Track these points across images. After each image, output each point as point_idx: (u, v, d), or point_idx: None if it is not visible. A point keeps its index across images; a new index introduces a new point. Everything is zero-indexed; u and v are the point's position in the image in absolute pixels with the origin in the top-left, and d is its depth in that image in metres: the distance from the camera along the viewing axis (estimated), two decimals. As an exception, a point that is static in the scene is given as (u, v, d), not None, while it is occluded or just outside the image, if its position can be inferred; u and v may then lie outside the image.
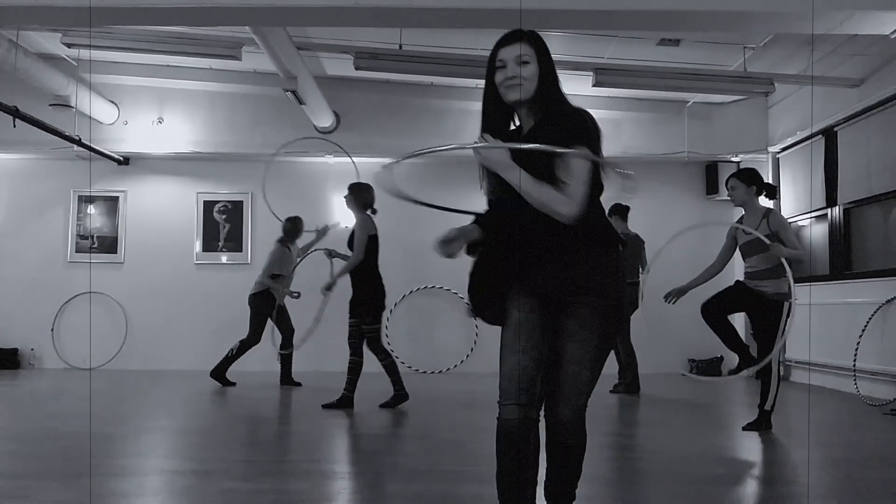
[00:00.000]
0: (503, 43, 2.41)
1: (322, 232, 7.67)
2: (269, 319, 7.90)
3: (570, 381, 2.37)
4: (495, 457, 2.36)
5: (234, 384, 7.96)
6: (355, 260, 6.17)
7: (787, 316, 5.11)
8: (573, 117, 2.35)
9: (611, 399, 7.16)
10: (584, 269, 2.37)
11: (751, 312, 5.24)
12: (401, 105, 9.67)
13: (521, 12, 5.63)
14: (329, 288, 6.38)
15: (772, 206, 5.28)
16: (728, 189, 5.38)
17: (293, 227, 8.17)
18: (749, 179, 5.26)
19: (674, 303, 5.32)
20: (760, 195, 5.29)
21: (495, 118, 2.48)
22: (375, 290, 6.26)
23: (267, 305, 7.95)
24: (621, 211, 7.69)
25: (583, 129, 2.32)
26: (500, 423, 2.35)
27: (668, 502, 3.49)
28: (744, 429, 5.21)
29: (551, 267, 2.38)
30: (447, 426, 5.70)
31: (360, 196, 6.36)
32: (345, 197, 6.48)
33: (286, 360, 8.17)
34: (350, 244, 6.31)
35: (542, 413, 2.42)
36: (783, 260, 5.00)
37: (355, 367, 6.28)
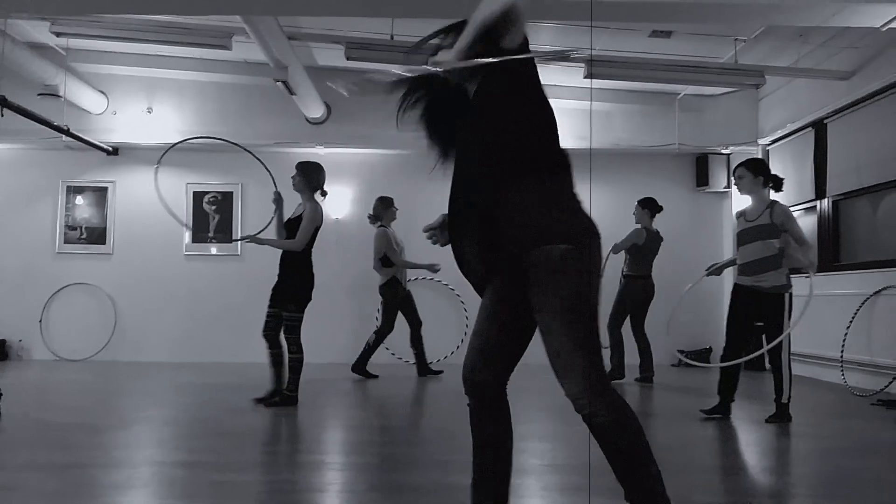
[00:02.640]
0: None
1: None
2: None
3: (553, 357, 2.13)
4: (472, 433, 2.40)
5: (376, 376, 7.90)
6: (297, 247, 5.71)
7: (790, 307, 5.15)
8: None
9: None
10: (519, 215, 2.09)
11: (756, 310, 5.23)
12: (392, 96, 9.62)
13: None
14: (251, 238, 5.87)
15: (778, 199, 5.32)
16: (735, 178, 5.41)
17: (383, 205, 8.01)
18: (756, 169, 5.30)
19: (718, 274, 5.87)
20: (767, 186, 5.31)
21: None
22: (307, 278, 5.81)
23: (397, 293, 7.93)
24: (651, 206, 7.63)
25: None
26: (469, 405, 2.40)
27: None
28: (767, 421, 5.22)
29: (485, 227, 2.15)
30: (437, 416, 5.71)
31: (313, 177, 5.89)
32: (293, 177, 5.92)
33: (420, 353, 8.14)
34: (289, 227, 5.84)
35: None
36: (791, 251, 5.08)
37: (295, 362, 5.75)
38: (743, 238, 5.31)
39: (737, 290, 5.32)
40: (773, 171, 5.40)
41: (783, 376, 5.17)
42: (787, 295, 5.13)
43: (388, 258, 7.87)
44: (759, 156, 9.60)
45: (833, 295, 7.70)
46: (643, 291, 7.53)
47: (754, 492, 3.57)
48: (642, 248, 7.50)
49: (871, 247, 7.63)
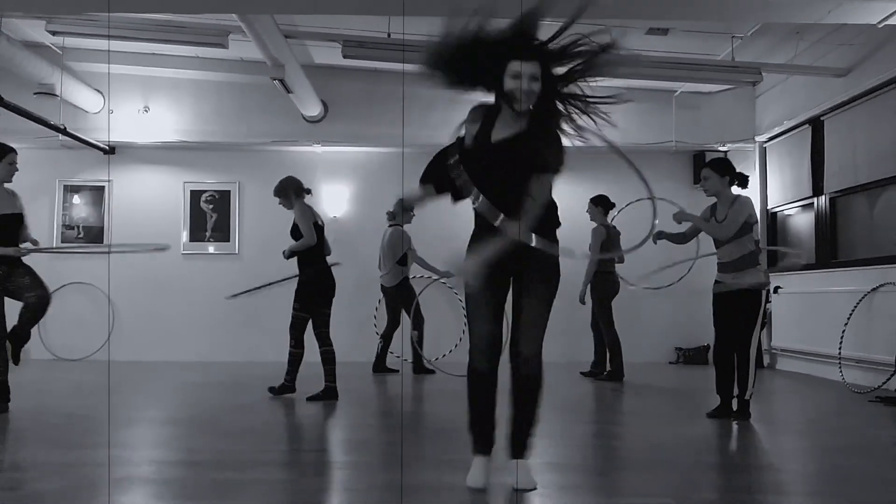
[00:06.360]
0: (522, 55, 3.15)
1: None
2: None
3: (536, 323, 3.14)
4: (470, 403, 3.23)
5: (396, 371, 8.21)
6: (306, 243, 6.07)
7: (765, 304, 5.19)
8: (559, 143, 3.26)
9: (595, 387, 7.19)
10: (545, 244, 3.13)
11: (736, 306, 5.24)
12: (389, 94, 9.61)
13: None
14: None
15: (741, 194, 5.32)
16: (701, 179, 5.37)
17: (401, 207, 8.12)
18: (722, 169, 5.26)
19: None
20: (733, 185, 5.29)
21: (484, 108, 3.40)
22: (326, 276, 6.22)
23: (411, 294, 8.12)
24: (605, 203, 7.83)
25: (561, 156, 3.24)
26: (478, 373, 3.17)
27: (655, 490, 3.51)
28: (708, 415, 5.27)
29: (523, 246, 3.05)
30: (436, 415, 5.72)
31: (291, 187, 6.23)
32: (278, 195, 6.25)
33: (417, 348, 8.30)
34: (294, 234, 6.20)
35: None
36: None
37: (299, 358, 6.29)
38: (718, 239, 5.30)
39: (716, 297, 5.32)
40: (738, 170, 5.40)
41: (749, 372, 5.16)
42: (763, 291, 5.16)
43: (404, 257, 8.04)
44: (757, 153, 9.63)
45: (830, 292, 7.71)
46: (610, 287, 7.63)
47: (752, 489, 3.58)
48: (604, 245, 7.61)
49: (868, 244, 7.65)
